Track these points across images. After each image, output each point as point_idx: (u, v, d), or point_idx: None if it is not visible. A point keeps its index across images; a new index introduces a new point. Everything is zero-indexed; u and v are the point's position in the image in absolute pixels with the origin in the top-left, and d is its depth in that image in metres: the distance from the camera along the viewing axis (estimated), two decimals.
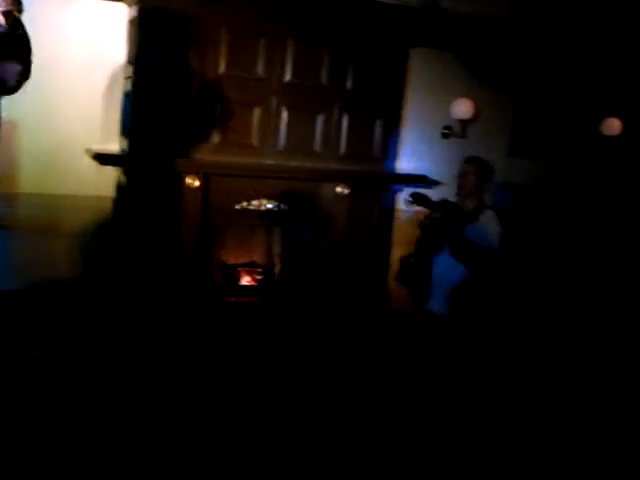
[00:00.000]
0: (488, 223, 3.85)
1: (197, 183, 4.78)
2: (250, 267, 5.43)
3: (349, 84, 5.25)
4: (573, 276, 5.99)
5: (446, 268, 3.87)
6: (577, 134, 6.16)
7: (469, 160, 4.08)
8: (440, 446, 3.47)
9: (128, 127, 4.74)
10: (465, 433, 3.60)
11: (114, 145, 4.83)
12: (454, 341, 3.93)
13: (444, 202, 4.02)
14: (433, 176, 5.56)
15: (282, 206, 5.16)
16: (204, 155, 4.87)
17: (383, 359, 4.45)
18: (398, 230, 5.65)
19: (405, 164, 5.70)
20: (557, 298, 5.81)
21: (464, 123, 5.75)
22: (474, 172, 3.98)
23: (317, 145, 5.24)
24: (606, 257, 6.13)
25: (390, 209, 5.64)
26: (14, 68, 3.16)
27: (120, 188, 4.83)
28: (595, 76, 6.09)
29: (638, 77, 6.13)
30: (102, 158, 4.61)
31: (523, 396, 4.17)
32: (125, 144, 4.74)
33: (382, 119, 5.42)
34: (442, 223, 3.75)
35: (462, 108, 5.56)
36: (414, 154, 5.72)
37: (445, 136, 5.81)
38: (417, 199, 3.99)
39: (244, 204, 5.06)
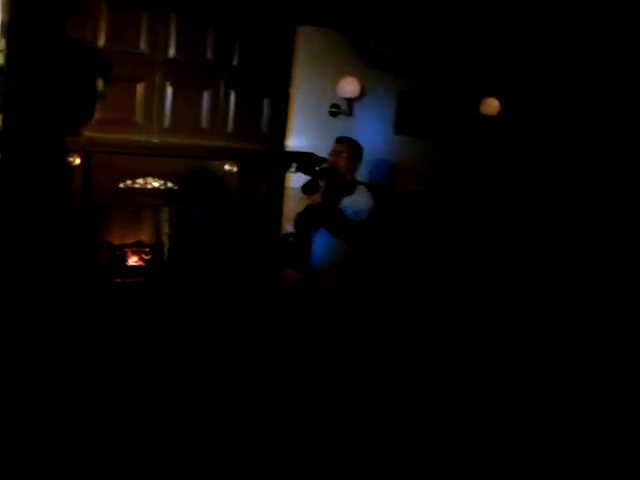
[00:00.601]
0: (361, 196, 4.01)
1: (77, 161, 4.63)
2: (137, 247, 5.34)
3: (235, 61, 5.22)
4: (451, 253, 6.25)
5: (327, 243, 3.98)
6: (458, 113, 6.40)
7: (341, 140, 4.22)
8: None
9: (2, 102, 4.53)
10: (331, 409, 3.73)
11: None
12: (339, 315, 4.04)
13: (327, 169, 4.11)
14: (321, 153, 5.57)
15: (169, 184, 5.09)
16: (85, 132, 4.72)
17: (267, 336, 4.50)
18: (288, 208, 5.69)
19: (294, 141, 5.74)
20: (433, 272, 6.04)
21: (351, 101, 5.85)
22: (346, 151, 4.11)
23: (204, 122, 5.19)
24: (483, 232, 6.41)
25: (279, 186, 5.67)
26: None
27: None
28: (476, 56, 6.32)
29: (516, 58, 6.41)
30: None
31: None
32: None
33: (270, 96, 5.43)
34: (322, 188, 3.87)
35: (348, 87, 5.64)
36: (303, 132, 5.76)
37: (333, 114, 5.88)
38: (300, 168, 4.08)
39: (129, 183, 4.95)
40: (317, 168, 4.11)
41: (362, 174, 4.51)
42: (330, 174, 4.03)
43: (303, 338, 4.14)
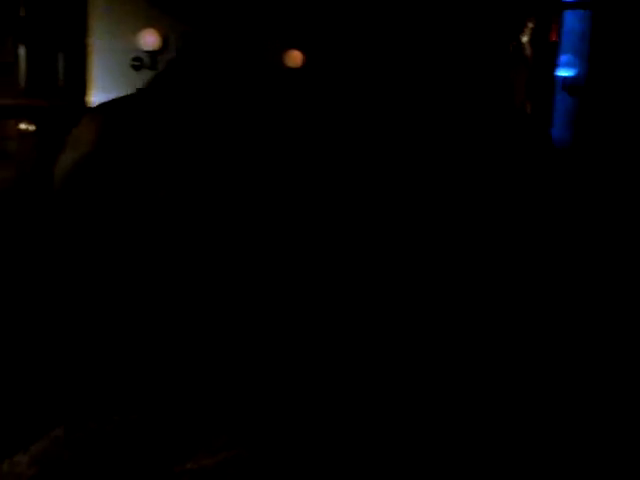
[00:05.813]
0: None
1: None
2: None
3: (22, 12, 4.94)
4: None
5: None
6: (261, 65, 6.44)
7: None
8: None
9: None
10: None
11: None
12: None
13: None
14: None
15: None
16: None
17: None
18: None
19: (97, 97, 5.54)
20: None
21: (153, 54, 5.72)
22: None
23: None
24: None
25: None
26: None
27: None
28: (276, 6, 6.38)
29: (317, 10, 6.54)
30: None
31: None
32: None
33: (64, 50, 5.20)
34: None
35: (148, 39, 5.50)
36: (105, 86, 5.57)
37: (136, 68, 5.72)
38: None
39: None
40: None
41: None
42: None
43: None
